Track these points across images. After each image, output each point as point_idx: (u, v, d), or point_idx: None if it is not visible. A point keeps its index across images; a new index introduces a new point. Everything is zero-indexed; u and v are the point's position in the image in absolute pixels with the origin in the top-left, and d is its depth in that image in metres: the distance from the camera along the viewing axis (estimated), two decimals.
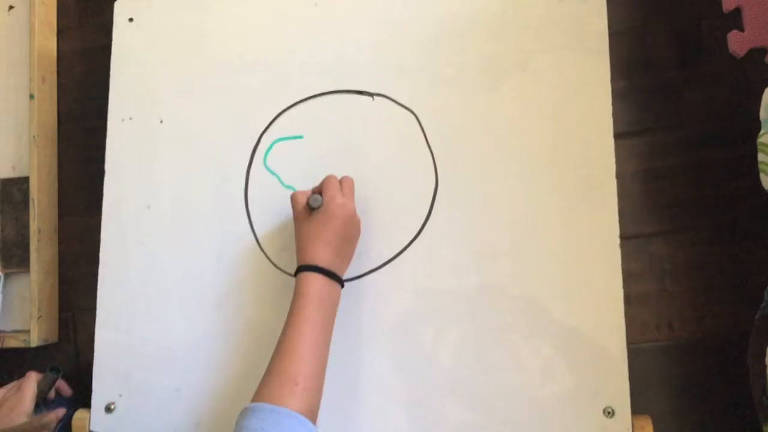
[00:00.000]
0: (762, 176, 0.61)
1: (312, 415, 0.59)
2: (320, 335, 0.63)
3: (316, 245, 0.67)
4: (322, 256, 0.66)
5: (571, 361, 0.70)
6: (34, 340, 0.85)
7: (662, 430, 0.75)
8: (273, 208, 0.79)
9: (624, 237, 0.73)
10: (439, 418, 0.71)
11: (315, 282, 0.65)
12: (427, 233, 0.75)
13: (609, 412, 0.69)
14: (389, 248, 0.76)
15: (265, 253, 0.78)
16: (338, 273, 0.68)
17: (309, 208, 0.69)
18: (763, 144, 0.60)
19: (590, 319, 0.71)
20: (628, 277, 0.74)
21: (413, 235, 0.75)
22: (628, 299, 0.74)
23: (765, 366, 0.66)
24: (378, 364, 0.73)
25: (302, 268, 0.66)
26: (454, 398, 0.71)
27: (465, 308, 0.73)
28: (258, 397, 0.59)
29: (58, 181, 0.92)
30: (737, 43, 0.79)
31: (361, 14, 0.81)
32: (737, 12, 0.80)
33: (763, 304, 0.68)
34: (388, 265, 0.75)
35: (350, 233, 0.70)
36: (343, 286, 0.69)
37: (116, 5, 0.85)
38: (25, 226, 0.87)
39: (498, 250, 0.73)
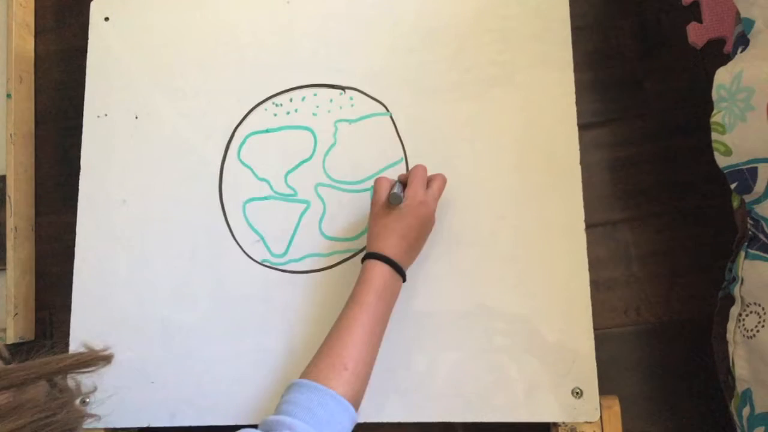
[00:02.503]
0: (716, 154, 0.63)
1: (356, 401, 0.59)
2: (376, 324, 0.63)
3: (388, 236, 0.66)
4: (392, 247, 0.66)
5: (540, 344, 0.72)
6: (10, 338, 0.85)
7: (633, 413, 0.76)
8: (247, 201, 0.80)
9: (590, 225, 0.74)
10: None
11: (381, 271, 0.65)
12: None
13: (577, 393, 0.70)
14: (358, 240, 0.77)
15: (240, 246, 0.79)
16: (404, 267, 0.67)
17: (389, 201, 0.69)
18: (716, 123, 0.62)
19: (558, 303, 0.72)
20: (596, 263, 0.75)
21: None
22: (596, 285, 0.76)
23: (727, 344, 0.67)
24: None
25: (370, 255, 0.66)
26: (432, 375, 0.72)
27: (432, 295, 0.74)
28: (307, 374, 0.60)
29: (35, 180, 0.93)
30: (696, 34, 0.82)
31: (332, 11, 0.83)
32: (696, 4, 0.83)
33: (724, 284, 0.70)
34: (359, 255, 0.77)
35: (424, 232, 0.70)
36: (405, 280, 0.68)
37: (92, 4, 0.86)
38: (2, 224, 0.88)
39: (465, 239, 0.75)
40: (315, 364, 0.61)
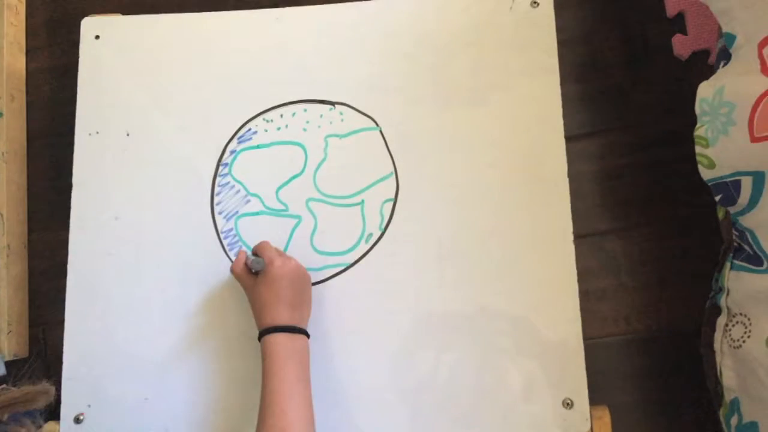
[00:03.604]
0: (700, 167, 0.64)
1: None
2: (296, 384, 0.65)
3: (270, 307, 0.69)
4: (278, 316, 0.68)
5: (530, 356, 0.72)
6: (5, 355, 0.85)
7: (624, 422, 0.76)
8: (239, 217, 0.80)
9: (579, 235, 0.75)
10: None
11: (277, 341, 0.67)
12: (388, 237, 0.77)
13: (568, 404, 0.71)
14: (350, 254, 0.78)
15: (230, 259, 0.79)
16: (300, 325, 0.69)
17: (252, 273, 0.71)
18: (699, 137, 0.63)
19: (547, 314, 0.73)
20: (585, 274, 0.76)
21: (374, 241, 0.78)
22: (586, 295, 0.77)
23: (715, 353, 0.68)
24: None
25: (263, 332, 0.68)
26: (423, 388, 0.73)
27: (423, 305, 0.74)
28: None
29: (28, 198, 0.93)
30: (681, 46, 0.83)
31: (321, 27, 0.84)
32: (680, 17, 0.84)
33: (711, 293, 0.71)
34: (351, 269, 0.77)
35: (300, 286, 0.72)
36: (308, 336, 0.70)
37: (83, 23, 0.86)
38: None
39: (455, 251, 0.76)
40: None
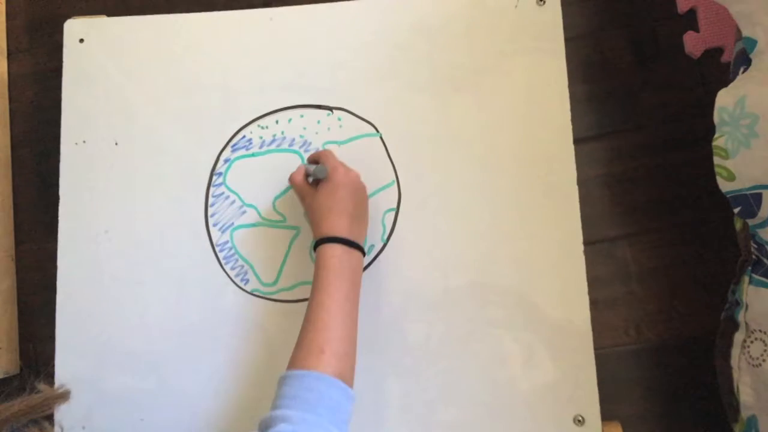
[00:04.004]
0: (719, 179, 0.61)
1: (343, 377, 0.59)
2: (344, 302, 0.63)
3: (330, 216, 0.66)
4: (338, 225, 0.65)
5: (538, 371, 0.70)
6: None
7: None
8: (235, 229, 0.77)
9: (588, 242, 0.73)
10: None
11: (333, 252, 0.64)
12: (391, 248, 0.75)
13: (579, 420, 0.69)
14: None
15: (226, 273, 0.76)
16: (357, 240, 0.66)
17: (312, 181, 0.68)
18: (718, 148, 0.60)
19: (556, 327, 0.71)
20: (595, 281, 0.74)
21: (376, 253, 0.75)
22: (595, 304, 0.74)
23: (731, 367, 0.66)
24: None
25: (320, 241, 0.65)
26: (437, 398, 0.71)
27: (431, 317, 0.72)
28: (289, 366, 0.60)
29: (14, 208, 0.89)
30: (693, 43, 0.79)
31: (315, 27, 0.80)
32: (692, 13, 0.80)
33: (727, 305, 0.69)
34: None
35: (360, 198, 0.69)
36: (364, 253, 0.68)
37: (66, 25, 0.82)
38: None
39: (461, 261, 0.73)
40: (293, 356, 0.61)
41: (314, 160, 0.72)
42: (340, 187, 0.67)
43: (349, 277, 0.65)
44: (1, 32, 0.92)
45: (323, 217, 0.66)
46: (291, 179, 0.70)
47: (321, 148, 0.77)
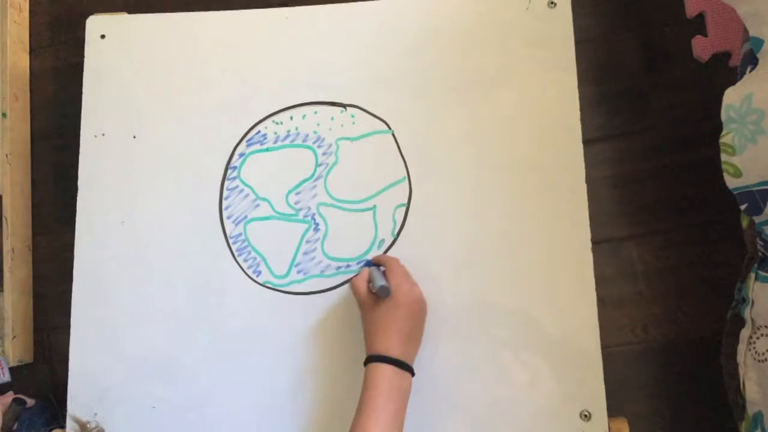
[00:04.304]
0: (726, 176, 0.62)
1: None
2: (390, 427, 0.61)
3: (385, 335, 0.65)
4: (392, 345, 0.65)
5: (546, 366, 0.71)
6: (9, 361, 0.84)
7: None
8: (248, 221, 0.79)
9: (596, 242, 0.73)
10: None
11: (385, 373, 0.63)
12: (401, 244, 0.76)
13: (586, 416, 0.69)
14: (362, 261, 0.76)
15: (239, 264, 0.78)
16: (408, 362, 0.66)
17: (374, 295, 0.68)
18: (725, 144, 0.61)
19: (564, 324, 0.71)
20: (602, 281, 0.74)
21: (387, 247, 0.76)
22: (602, 303, 0.75)
23: (737, 365, 0.66)
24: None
25: (372, 358, 0.65)
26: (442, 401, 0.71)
27: (440, 317, 0.73)
28: None
29: (32, 200, 0.91)
30: (701, 48, 0.81)
31: (330, 27, 0.82)
32: (701, 18, 0.82)
33: (733, 303, 0.69)
34: None
35: (419, 319, 0.69)
36: (413, 374, 0.66)
37: (88, 22, 0.85)
38: None
39: (470, 258, 0.74)
40: None
41: (378, 262, 0.71)
42: (402, 307, 0.66)
43: (398, 401, 0.63)
44: (24, 29, 0.94)
45: (378, 335, 0.66)
46: (353, 286, 0.69)
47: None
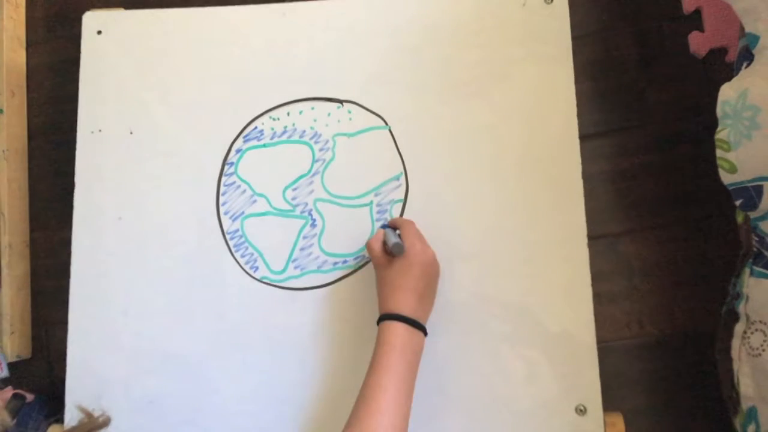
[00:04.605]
0: (720, 171, 0.62)
1: None
2: (402, 384, 0.62)
3: (398, 293, 0.65)
4: (405, 304, 0.65)
5: (542, 360, 0.71)
6: (8, 356, 0.84)
7: (634, 426, 0.75)
8: (245, 217, 0.79)
9: (592, 237, 0.74)
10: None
11: (397, 331, 0.64)
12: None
13: (581, 410, 0.70)
14: (359, 256, 0.77)
15: (236, 260, 0.78)
16: (421, 321, 0.66)
17: (388, 254, 0.68)
18: (720, 140, 0.61)
19: (559, 318, 0.72)
20: (598, 276, 0.75)
21: None
22: (598, 298, 0.75)
23: (732, 360, 0.67)
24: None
25: (385, 317, 0.65)
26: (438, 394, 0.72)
27: (436, 311, 0.73)
28: None
29: (29, 196, 0.91)
30: (698, 43, 0.81)
31: (327, 23, 0.81)
32: (697, 13, 0.82)
33: (728, 299, 0.70)
34: (360, 271, 0.76)
35: (432, 279, 0.69)
36: (426, 334, 0.66)
37: (84, 18, 0.84)
38: None
39: (467, 253, 0.74)
40: None
41: (393, 225, 0.72)
42: (415, 266, 0.66)
43: (410, 358, 0.64)
44: (20, 24, 0.94)
45: (391, 294, 0.66)
46: (369, 246, 0.70)
47: (390, 215, 0.77)
